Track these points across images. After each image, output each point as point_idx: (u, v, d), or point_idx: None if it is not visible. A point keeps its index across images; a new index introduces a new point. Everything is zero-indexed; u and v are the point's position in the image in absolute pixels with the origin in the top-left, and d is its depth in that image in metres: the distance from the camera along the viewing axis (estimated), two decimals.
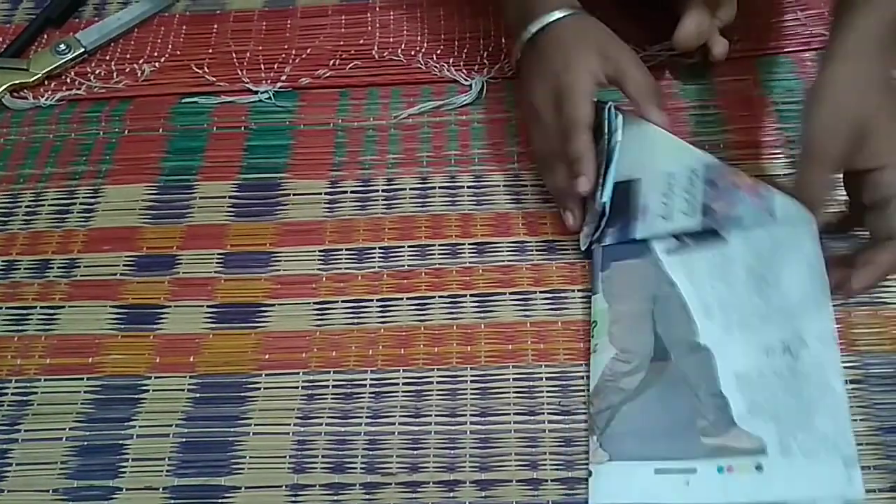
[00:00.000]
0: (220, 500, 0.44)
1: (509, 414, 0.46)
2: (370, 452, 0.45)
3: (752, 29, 0.61)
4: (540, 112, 0.50)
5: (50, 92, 0.62)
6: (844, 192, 0.47)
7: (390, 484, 0.44)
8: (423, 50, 0.62)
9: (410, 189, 0.55)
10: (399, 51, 0.62)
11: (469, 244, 0.52)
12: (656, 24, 0.59)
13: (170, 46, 0.64)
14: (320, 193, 0.55)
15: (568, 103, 0.48)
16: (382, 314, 0.50)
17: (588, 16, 0.51)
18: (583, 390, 0.46)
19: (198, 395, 0.47)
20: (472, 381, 0.47)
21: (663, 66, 0.59)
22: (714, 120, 0.56)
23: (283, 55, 0.62)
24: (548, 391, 0.46)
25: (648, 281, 0.48)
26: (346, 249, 0.52)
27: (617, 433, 0.44)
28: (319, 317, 0.50)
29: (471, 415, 0.46)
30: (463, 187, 0.55)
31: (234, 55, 0.63)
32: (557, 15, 0.50)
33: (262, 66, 0.62)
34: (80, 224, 0.55)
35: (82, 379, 0.48)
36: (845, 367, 0.46)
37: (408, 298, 0.50)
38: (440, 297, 0.50)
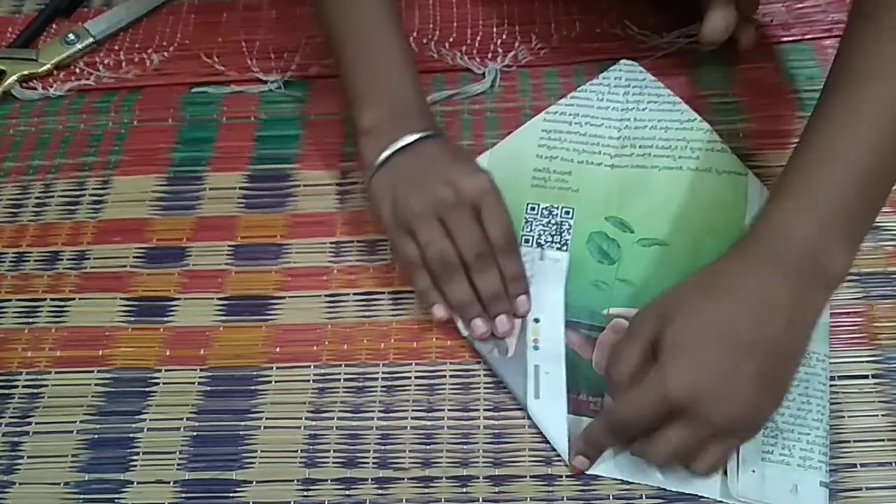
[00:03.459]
0: (231, 494, 0.44)
1: (523, 409, 0.45)
2: (382, 447, 0.45)
3: (773, 16, 0.59)
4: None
5: (59, 82, 0.61)
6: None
7: (403, 479, 0.44)
8: (435, 38, 0.61)
9: None
10: (411, 39, 0.61)
11: None
12: (675, 10, 0.58)
13: (179, 35, 0.63)
14: (331, 184, 0.54)
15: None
16: (394, 307, 0.49)
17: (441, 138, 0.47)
18: None
19: (208, 388, 0.47)
20: (485, 375, 0.46)
21: (682, 52, 0.58)
22: (734, 108, 0.55)
23: (293, 44, 0.61)
24: None
25: None
26: (358, 241, 0.52)
27: None
28: (331, 309, 0.49)
29: (484, 409, 0.45)
30: None
31: (243, 44, 0.62)
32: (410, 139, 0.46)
33: (272, 56, 0.61)
34: (90, 215, 0.54)
35: (92, 371, 0.48)
36: (867, 362, 0.45)
37: None
38: None
